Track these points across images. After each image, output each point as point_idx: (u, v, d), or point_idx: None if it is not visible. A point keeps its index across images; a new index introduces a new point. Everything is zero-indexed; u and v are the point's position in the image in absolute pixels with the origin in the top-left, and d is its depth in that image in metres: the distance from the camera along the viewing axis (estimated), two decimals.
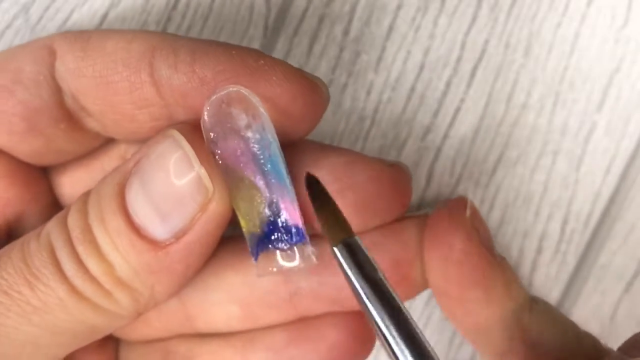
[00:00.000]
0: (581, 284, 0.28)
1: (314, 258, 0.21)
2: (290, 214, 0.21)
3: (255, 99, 0.20)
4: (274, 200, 0.21)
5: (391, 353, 0.19)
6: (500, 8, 0.27)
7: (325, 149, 0.23)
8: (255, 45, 0.26)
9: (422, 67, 0.27)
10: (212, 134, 0.20)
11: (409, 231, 0.24)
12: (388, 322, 0.19)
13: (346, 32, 0.27)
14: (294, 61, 0.27)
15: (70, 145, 0.23)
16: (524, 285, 0.23)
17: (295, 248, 0.21)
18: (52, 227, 0.21)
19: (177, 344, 0.25)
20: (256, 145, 0.21)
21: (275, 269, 0.21)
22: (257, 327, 0.24)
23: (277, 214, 0.21)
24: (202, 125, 0.21)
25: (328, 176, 0.22)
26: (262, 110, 0.20)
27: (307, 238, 0.21)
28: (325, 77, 0.27)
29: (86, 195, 0.21)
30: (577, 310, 0.28)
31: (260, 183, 0.21)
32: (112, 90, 0.21)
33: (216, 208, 0.20)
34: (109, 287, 0.20)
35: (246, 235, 0.21)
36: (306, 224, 0.21)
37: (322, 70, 0.27)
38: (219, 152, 0.20)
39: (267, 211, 0.21)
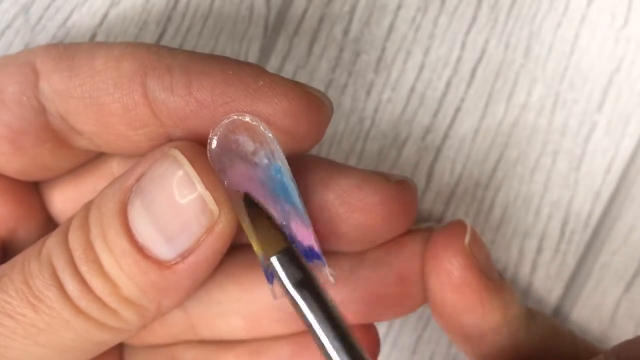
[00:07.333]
0: (581, 284, 0.28)
1: (332, 279, 0.21)
2: (303, 236, 0.21)
3: (262, 126, 0.20)
4: (285, 223, 0.20)
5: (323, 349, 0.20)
6: (500, 8, 0.27)
7: (332, 169, 0.23)
8: (255, 45, 0.26)
9: (422, 67, 0.27)
10: (219, 164, 0.20)
11: (413, 247, 0.24)
12: (325, 327, 0.20)
13: (346, 32, 0.27)
14: (293, 61, 0.27)
15: (58, 162, 0.23)
16: (522, 300, 0.24)
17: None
18: (52, 245, 0.20)
19: (183, 350, 0.25)
20: (265, 171, 0.20)
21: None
22: (262, 337, 0.24)
23: (290, 237, 0.20)
24: (208, 155, 0.20)
25: (336, 199, 0.22)
26: (269, 135, 0.20)
27: (324, 259, 0.21)
28: (325, 77, 0.27)
29: (86, 209, 0.21)
30: (577, 310, 0.28)
31: (272, 208, 0.20)
32: (104, 111, 0.21)
33: (222, 230, 0.20)
34: (115, 306, 0.20)
35: (260, 259, 0.21)
36: (322, 245, 0.21)
37: (322, 70, 0.27)
38: (226, 181, 0.20)
39: None
